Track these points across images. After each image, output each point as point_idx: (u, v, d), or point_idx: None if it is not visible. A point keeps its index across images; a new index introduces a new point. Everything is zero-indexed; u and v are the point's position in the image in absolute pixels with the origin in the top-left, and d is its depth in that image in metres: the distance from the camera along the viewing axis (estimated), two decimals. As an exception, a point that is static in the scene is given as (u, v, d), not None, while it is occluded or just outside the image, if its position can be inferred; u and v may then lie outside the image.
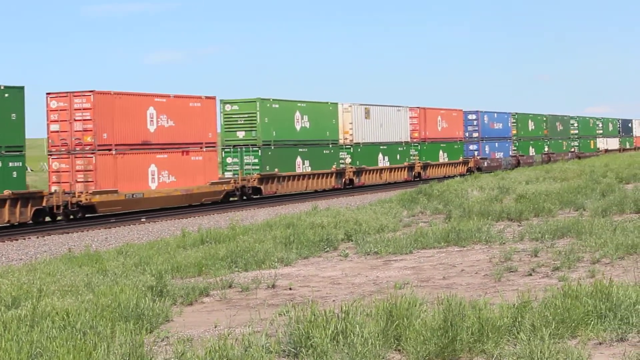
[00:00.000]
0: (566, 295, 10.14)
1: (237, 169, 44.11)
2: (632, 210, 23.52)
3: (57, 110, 34.98)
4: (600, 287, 10.20)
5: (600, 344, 9.19)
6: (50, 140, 35.24)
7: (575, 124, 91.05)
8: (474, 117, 69.03)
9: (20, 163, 31.45)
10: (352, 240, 20.33)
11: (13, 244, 27.77)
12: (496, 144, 71.28)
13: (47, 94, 35.11)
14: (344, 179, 51.40)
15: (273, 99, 45.67)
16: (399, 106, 58.14)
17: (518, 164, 72.43)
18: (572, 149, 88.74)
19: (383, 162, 55.71)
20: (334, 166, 50.28)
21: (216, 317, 11.98)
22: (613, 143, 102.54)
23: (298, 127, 47.45)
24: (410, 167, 59.17)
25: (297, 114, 47.45)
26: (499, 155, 71.24)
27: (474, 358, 8.86)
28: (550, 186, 32.61)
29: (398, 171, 57.63)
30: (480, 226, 20.18)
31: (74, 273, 15.55)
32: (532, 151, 78.44)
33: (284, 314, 10.17)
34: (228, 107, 45.20)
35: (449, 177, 56.68)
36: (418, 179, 59.01)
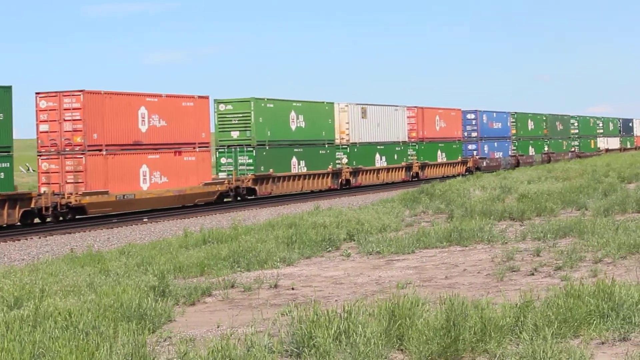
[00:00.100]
0: (568, 295, 10.14)
1: (231, 169, 43.61)
2: (634, 209, 23.51)
3: (46, 110, 34.38)
4: (603, 287, 10.19)
5: (602, 343, 9.19)
6: (39, 141, 34.61)
7: (576, 124, 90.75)
8: (472, 116, 68.54)
9: (8, 164, 30.84)
10: (354, 240, 20.33)
11: (15, 244, 27.78)
12: (495, 143, 70.87)
13: (37, 93, 34.54)
14: (340, 180, 50.87)
15: (268, 99, 45.22)
16: (396, 106, 57.63)
17: (517, 164, 72.02)
18: (573, 149, 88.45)
19: (380, 162, 55.18)
20: (330, 166, 49.76)
21: (219, 317, 11.99)
22: (614, 143, 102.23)
23: (293, 127, 46.94)
24: (408, 167, 58.65)
25: (293, 114, 46.96)
26: (498, 155, 70.82)
27: (477, 358, 8.86)
28: (552, 186, 32.61)
29: (395, 171, 57.10)
30: (483, 226, 20.18)
31: (76, 273, 15.55)
32: (531, 151, 78.06)
33: (287, 314, 10.17)
34: (222, 107, 44.68)
35: (448, 177, 56.24)
36: (416, 179, 58.57)
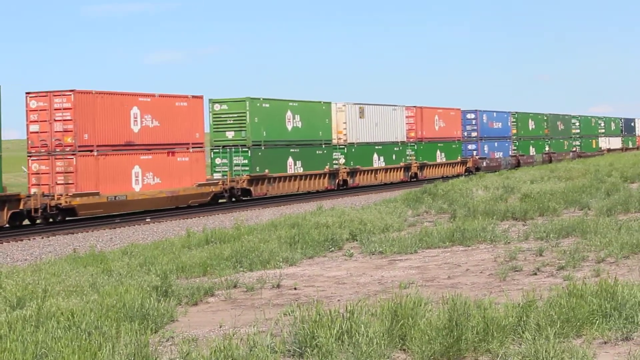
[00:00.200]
0: (571, 295, 10.13)
1: (226, 170, 43.17)
2: (637, 209, 23.48)
3: (36, 110, 33.88)
4: (605, 286, 10.19)
5: (605, 343, 9.18)
6: (30, 141, 34.15)
7: (577, 123, 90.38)
8: (472, 116, 68.14)
9: None
10: (357, 240, 20.32)
11: (18, 244, 27.81)
12: (495, 143, 70.49)
13: (27, 93, 34.09)
14: (337, 180, 50.39)
15: (263, 98, 44.81)
16: (394, 105, 57.20)
17: (518, 164, 71.54)
18: (574, 149, 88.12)
19: (378, 162, 54.75)
20: (327, 167, 49.33)
21: (221, 317, 11.99)
22: (615, 142, 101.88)
23: (289, 127, 46.54)
24: (407, 168, 58.20)
25: (289, 114, 46.58)
26: (498, 155, 70.42)
27: (479, 357, 8.86)
28: (555, 185, 32.58)
29: (394, 172, 56.63)
30: (485, 225, 20.17)
31: (78, 273, 15.56)
32: (532, 151, 77.68)
33: (289, 314, 10.17)
34: (217, 107, 44.27)
35: (447, 177, 55.65)
36: (415, 179, 58.26)
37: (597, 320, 9.52)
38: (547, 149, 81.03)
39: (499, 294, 12.12)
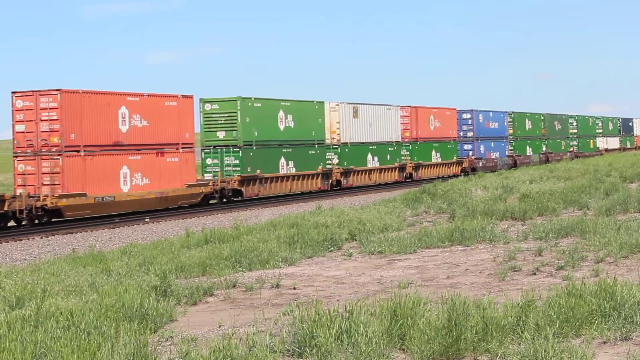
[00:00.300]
0: (570, 295, 10.13)
1: (217, 170, 42.68)
2: (636, 209, 23.50)
3: (22, 109, 33.34)
4: (605, 286, 10.19)
5: (604, 342, 9.18)
6: (15, 142, 33.62)
7: (574, 123, 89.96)
8: (468, 116, 67.64)
9: None
10: (356, 240, 20.33)
11: (17, 244, 27.80)
12: (492, 143, 70.02)
13: (13, 92, 33.59)
14: (330, 180, 49.87)
15: (255, 98, 44.29)
16: (389, 105, 56.72)
17: (515, 164, 70.99)
18: (571, 149, 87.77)
19: (372, 162, 54.27)
20: (320, 167, 48.79)
21: (220, 316, 11.99)
22: (613, 142, 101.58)
23: (282, 127, 46.04)
24: (402, 168, 57.67)
25: (281, 113, 46.05)
26: (494, 155, 69.93)
27: (478, 357, 8.86)
28: (554, 185, 32.59)
29: (388, 172, 56.13)
30: (484, 225, 20.18)
31: (78, 273, 15.56)
32: (529, 151, 77.19)
33: (288, 314, 10.17)
34: (208, 107, 43.70)
35: (443, 177, 55.21)
36: (410, 179, 57.87)
37: (596, 320, 9.53)
38: (544, 149, 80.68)
39: (498, 293, 12.12)
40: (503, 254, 16.37)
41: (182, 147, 39.05)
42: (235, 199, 42.93)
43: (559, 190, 29.41)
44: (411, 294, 10.27)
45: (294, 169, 46.62)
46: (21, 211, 31.49)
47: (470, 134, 67.65)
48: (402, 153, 58.04)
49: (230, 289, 14.25)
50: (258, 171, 43.61)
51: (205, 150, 43.77)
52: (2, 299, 12.79)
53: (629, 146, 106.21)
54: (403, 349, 9.14)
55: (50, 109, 33.12)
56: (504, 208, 24.48)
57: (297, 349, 9.03)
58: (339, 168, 50.54)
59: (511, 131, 74.02)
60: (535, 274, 14.20)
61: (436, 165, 62.47)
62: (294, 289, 14.21)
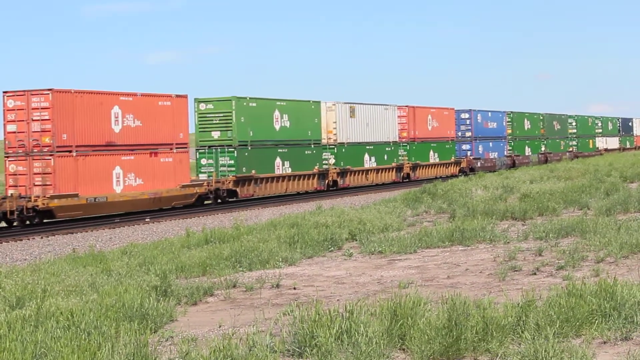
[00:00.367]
0: (570, 294, 10.13)
1: (212, 170, 42.33)
2: (636, 209, 23.50)
3: (14, 109, 33.04)
4: (605, 286, 10.19)
5: (604, 342, 9.18)
6: (7, 142, 33.29)
7: (574, 123, 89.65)
8: (466, 115, 67.35)
9: None
10: (356, 240, 20.33)
11: (17, 244, 27.80)
12: (490, 143, 69.72)
13: (4, 92, 33.37)
14: (327, 181, 49.51)
15: (250, 98, 43.96)
16: (386, 105, 56.40)
17: (513, 165, 70.69)
18: (570, 149, 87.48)
19: (369, 162, 53.90)
20: (316, 167, 48.43)
21: (220, 316, 11.99)
22: (613, 142, 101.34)
23: (277, 127, 45.65)
24: (399, 168, 57.33)
25: (277, 113, 45.67)
26: (493, 155, 69.62)
27: (479, 357, 8.86)
28: (555, 185, 32.60)
29: (385, 172, 55.77)
30: (485, 225, 20.18)
31: (78, 273, 15.56)
32: (528, 151, 76.87)
33: (288, 314, 10.17)
34: (202, 106, 43.31)
35: (440, 178, 54.79)
36: (407, 180, 57.62)
37: (596, 320, 9.53)
38: (543, 149, 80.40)
39: (498, 293, 12.12)
40: (503, 254, 16.37)
41: (176, 147, 38.69)
42: (230, 200, 42.65)
43: (560, 190, 29.42)
44: (411, 294, 10.27)
45: (289, 169, 46.30)
46: (12, 212, 31.26)
47: (468, 134, 67.38)
48: (399, 153, 57.72)
49: (231, 289, 14.26)
50: (253, 171, 43.32)
51: (200, 151, 43.40)
52: (3, 299, 12.79)
53: (628, 146, 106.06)
54: (403, 349, 9.14)
55: (41, 108, 32.82)
56: (504, 208, 24.48)
57: (297, 349, 9.03)
58: (335, 168, 50.23)
59: (510, 131, 73.77)
60: (535, 273, 14.20)
61: (434, 165, 62.18)
62: (294, 289, 14.21)
